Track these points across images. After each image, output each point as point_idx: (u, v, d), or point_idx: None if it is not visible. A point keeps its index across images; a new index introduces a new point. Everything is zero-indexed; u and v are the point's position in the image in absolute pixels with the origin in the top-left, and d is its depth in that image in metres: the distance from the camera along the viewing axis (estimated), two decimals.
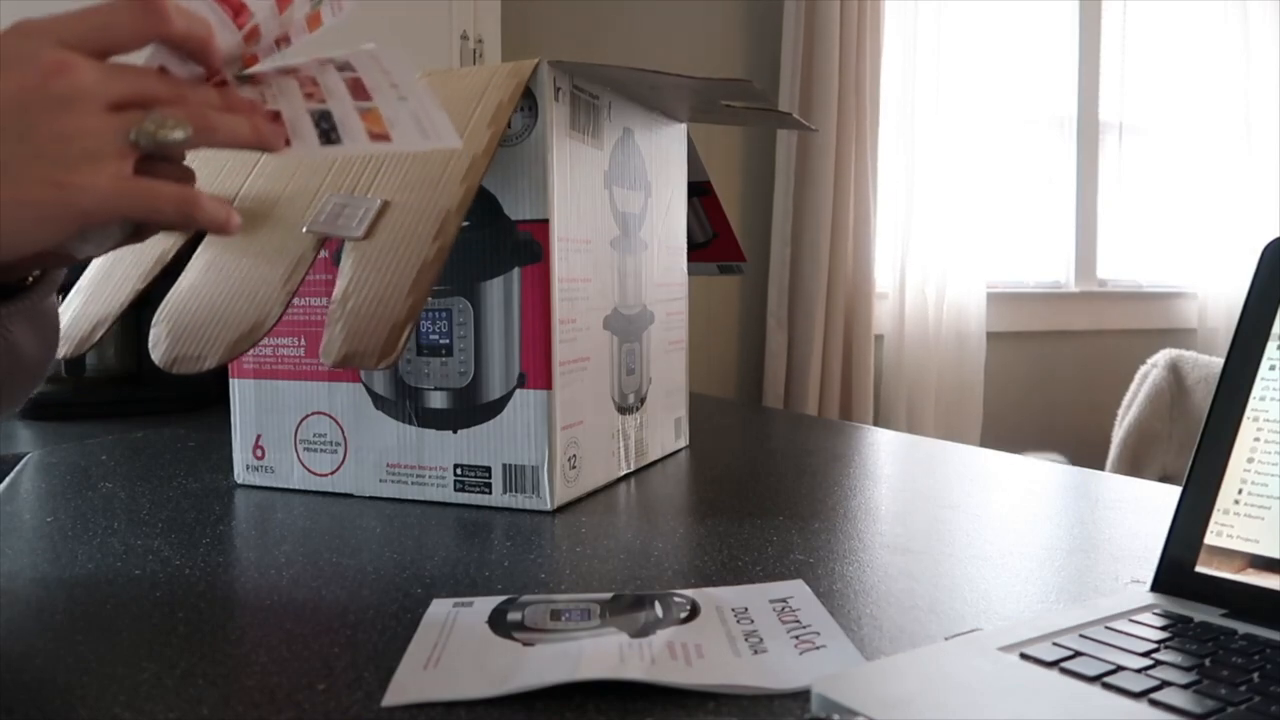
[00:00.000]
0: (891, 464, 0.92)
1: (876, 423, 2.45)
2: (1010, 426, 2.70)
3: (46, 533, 0.66)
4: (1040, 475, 0.86)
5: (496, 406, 0.74)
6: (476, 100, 0.70)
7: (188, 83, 0.45)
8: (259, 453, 0.81)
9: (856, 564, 0.59)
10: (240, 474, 0.82)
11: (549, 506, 0.73)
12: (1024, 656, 0.41)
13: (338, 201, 0.68)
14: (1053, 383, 2.80)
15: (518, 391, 0.73)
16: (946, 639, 0.44)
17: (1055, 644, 0.42)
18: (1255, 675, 0.39)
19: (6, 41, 0.40)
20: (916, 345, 2.47)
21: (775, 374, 2.35)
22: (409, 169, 0.68)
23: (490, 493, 0.74)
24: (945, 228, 2.48)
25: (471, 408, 0.75)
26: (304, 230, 0.66)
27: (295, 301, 0.78)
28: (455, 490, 0.75)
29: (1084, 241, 2.91)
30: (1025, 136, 2.81)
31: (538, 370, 0.73)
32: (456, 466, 0.75)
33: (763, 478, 0.84)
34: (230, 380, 0.82)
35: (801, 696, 0.40)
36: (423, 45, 1.60)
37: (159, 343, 0.66)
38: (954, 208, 2.48)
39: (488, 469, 0.74)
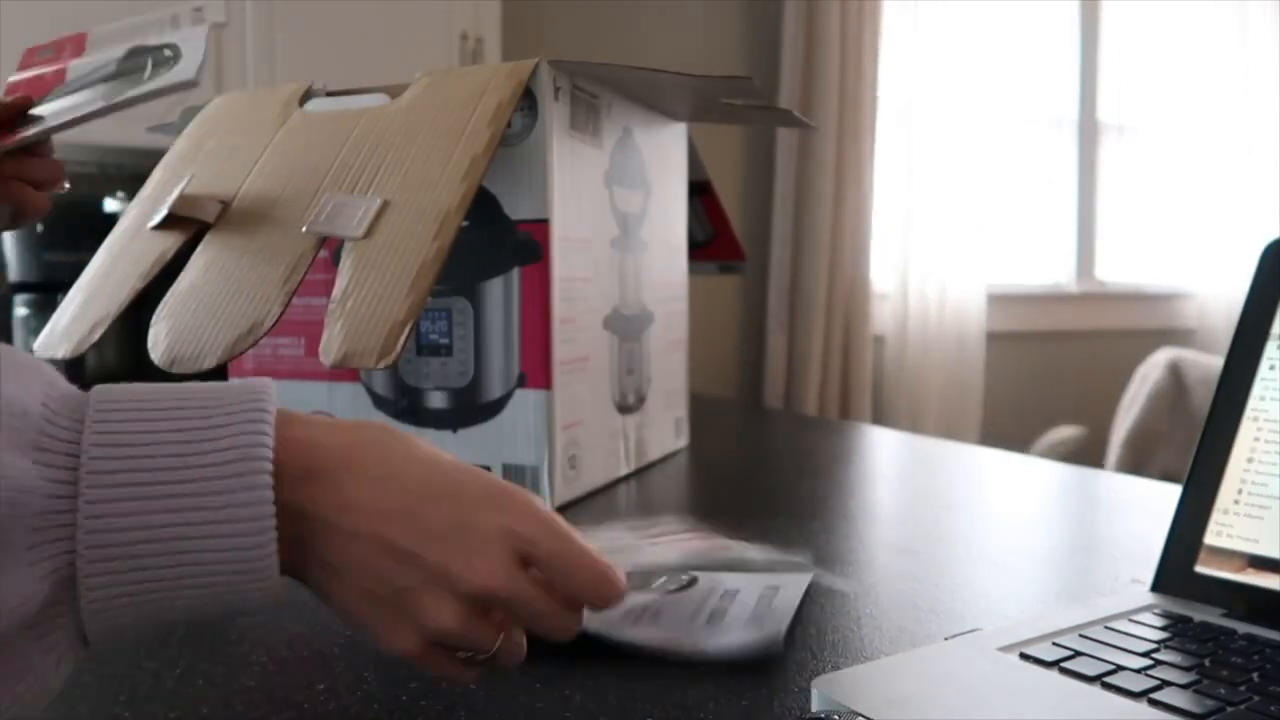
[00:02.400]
0: (891, 464, 0.92)
1: (876, 423, 2.45)
2: (1010, 427, 2.70)
3: None
4: (1040, 475, 0.86)
5: (496, 406, 0.74)
6: (476, 100, 0.70)
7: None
8: None
9: (856, 564, 0.59)
10: None
11: (549, 506, 0.73)
12: (1024, 656, 0.41)
13: (337, 201, 0.68)
14: (1053, 383, 2.80)
15: (517, 391, 0.73)
16: (946, 639, 0.44)
17: (1055, 644, 0.42)
18: (1255, 675, 0.39)
19: (490, 510, 0.37)
20: (917, 346, 2.47)
21: (775, 374, 2.35)
22: (409, 169, 0.68)
23: None
24: (945, 228, 2.48)
25: (471, 407, 0.75)
26: (303, 230, 0.66)
27: (295, 301, 0.78)
28: None
29: (1084, 242, 2.91)
30: (1025, 136, 2.81)
31: (537, 370, 0.73)
32: None
33: (763, 478, 0.84)
34: (229, 380, 0.82)
35: (801, 696, 0.40)
36: (423, 45, 1.60)
37: (158, 342, 0.66)
38: (954, 208, 2.48)
39: (488, 469, 0.74)
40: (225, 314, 0.65)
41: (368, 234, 0.65)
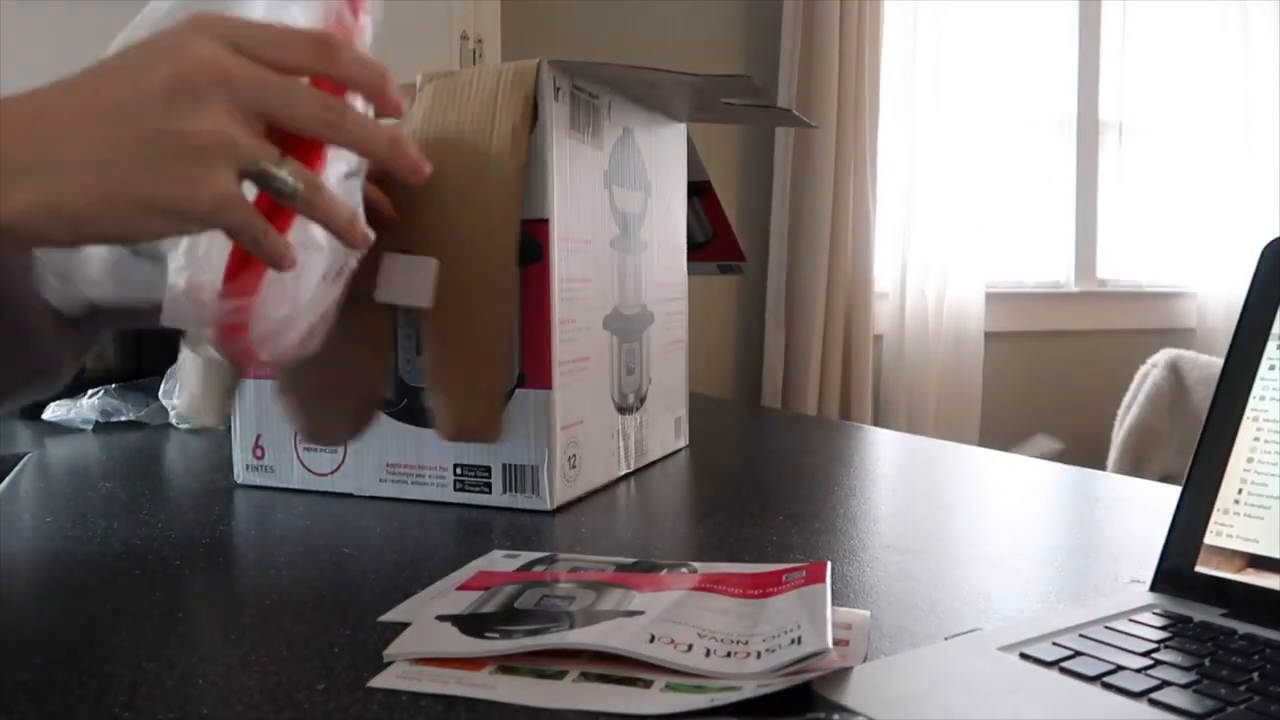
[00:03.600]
0: (891, 464, 0.92)
1: (875, 423, 2.45)
2: (1010, 427, 2.70)
3: (46, 533, 0.67)
4: (1040, 475, 0.86)
5: None
6: (490, 124, 0.70)
7: (335, 110, 0.43)
8: (259, 453, 0.81)
9: (856, 564, 0.59)
10: (240, 474, 0.82)
11: (549, 506, 0.73)
12: (1024, 656, 0.41)
13: (401, 265, 0.68)
14: (1052, 383, 2.81)
15: (517, 391, 0.73)
16: (946, 639, 0.44)
17: (1055, 644, 0.42)
18: (1255, 675, 0.39)
19: (176, 31, 0.40)
20: (916, 345, 2.47)
21: (774, 374, 2.35)
22: (448, 214, 0.69)
23: (490, 492, 0.74)
24: (945, 228, 2.48)
25: None
26: (377, 299, 0.67)
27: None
28: (455, 490, 0.75)
29: (1084, 241, 2.91)
30: (1025, 136, 2.81)
31: (537, 370, 0.73)
32: (456, 466, 0.75)
33: (763, 478, 0.84)
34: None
35: (801, 697, 0.40)
36: (423, 45, 1.60)
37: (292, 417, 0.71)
38: (954, 207, 2.48)
39: (487, 469, 0.74)
40: (341, 395, 0.71)
41: (435, 302, 0.68)
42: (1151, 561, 0.50)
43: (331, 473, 0.79)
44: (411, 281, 0.67)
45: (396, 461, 0.77)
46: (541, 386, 0.73)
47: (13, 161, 0.37)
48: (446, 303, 0.67)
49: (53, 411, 1.14)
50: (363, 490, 0.78)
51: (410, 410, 0.76)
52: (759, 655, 0.42)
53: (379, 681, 0.41)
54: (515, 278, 0.69)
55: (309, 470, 0.80)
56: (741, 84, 0.80)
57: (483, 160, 0.69)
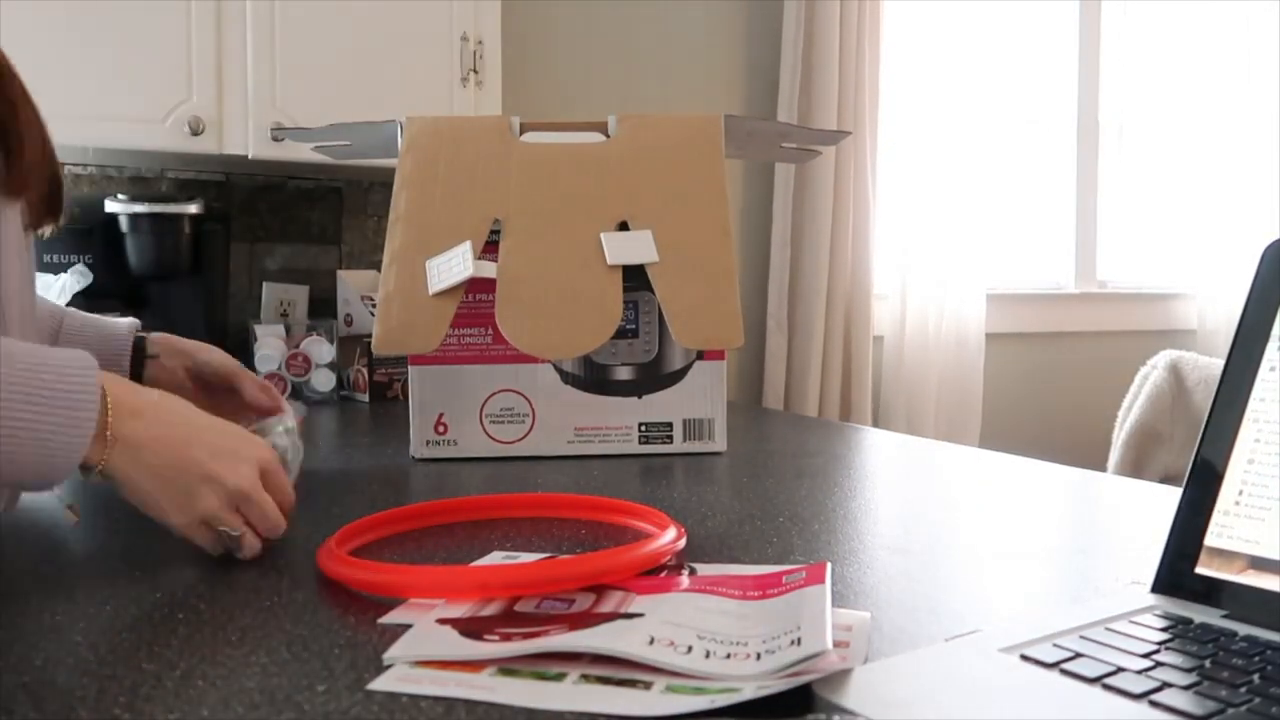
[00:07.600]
0: (891, 465, 0.92)
1: (876, 424, 2.45)
2: (1010, 428, 2.70)
3: (47, 533, 0.66)
4: (1040, 476, 0.86)
5: (678, 375, 0.94)
6: (686, 146, 0.89)
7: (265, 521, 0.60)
8: (441, 429, 0.92)
9: (856, 564, 0.59)
10: (417, 449, 0.92)
11: (723, 449, 0.93)
12: (1024, 658, 0.41)
13: (623, 238, 0.84)
14: (1053, 384, 2.80)
15: (697, 363, 0.93)
16: (947, 640, 0.44)
17: (1056, 645, 0.42)
18: (1255, 676, 0.39)
19: (258, 448, 0.61)
20: (916, 347, 2.47)
21: (775, 375, 2.35)
22: (665, 201, 0.87)
23: (672, 442, 0.93)
24: (945, 229, 2.48)
25: (655, 378, 0.93)
26: (610, 264, 0.84)
27: (481, 297, 0.91)
28: (640, 443, 0.93)
29: (1084, 243, 2.91)
30: (1025, 136, 2.81)
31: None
32: (640, 424, 0.93)
33: (763, 478, 0.84)
34: (409, 368, 0.92)
35: (801, 698, 0.40)
36: (423, 46, 1.60)
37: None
38: (954, 208, 2.48)
39: (669, 424, 0.93)
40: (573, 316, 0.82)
41: (661, 258, 0.84)
42: (1152, 563, 0.50)
43: (518, 440, 0.92)
44: (637, 247, 0.84)
45: (584, 425, 0.92)
46: (717, 358, 0.94)
47: (139, 442, 0.56)
48: (675, 255, 0.85)
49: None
50: (551, 451, 0.91)
51: (598, 383, 0.92)
52: (759, 657, 0.42)
53: (379, 684, 0.41)
54: (731, 235, 0.87)
55: (494, 439, 0.92)
56: (838, 136, 0.99)
57: (685, 163, 0.90)
